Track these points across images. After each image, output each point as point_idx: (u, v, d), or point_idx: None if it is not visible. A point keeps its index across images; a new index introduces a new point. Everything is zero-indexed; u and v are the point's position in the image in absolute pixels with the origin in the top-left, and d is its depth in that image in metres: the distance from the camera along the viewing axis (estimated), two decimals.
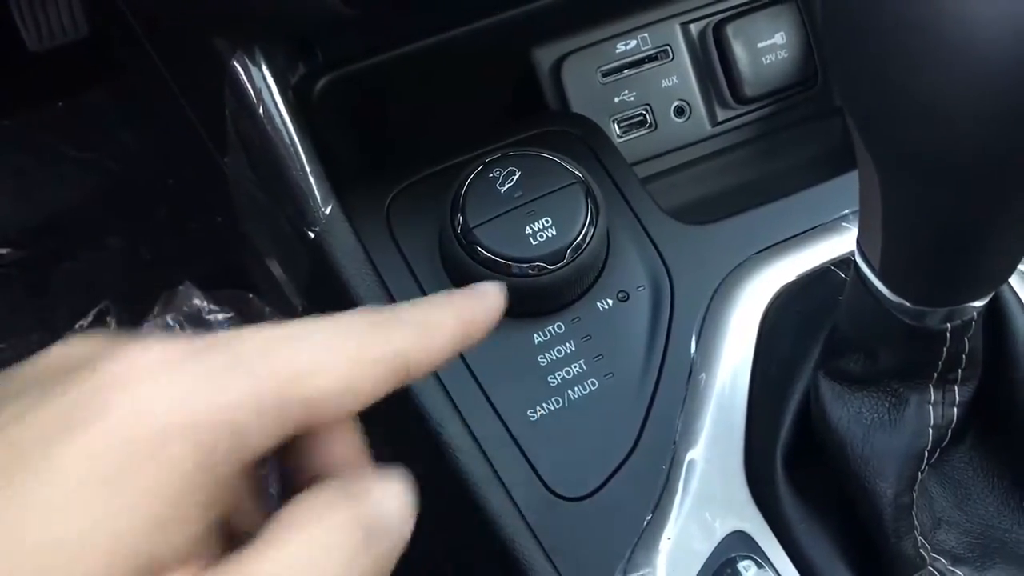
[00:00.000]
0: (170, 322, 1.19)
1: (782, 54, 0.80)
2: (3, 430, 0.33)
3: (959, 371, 0.53)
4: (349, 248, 0.67)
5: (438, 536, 0.72)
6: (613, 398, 0.64)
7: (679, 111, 0.80)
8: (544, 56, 0.78)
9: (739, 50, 0.79)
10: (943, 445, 0.54)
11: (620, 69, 0.78)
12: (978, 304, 0.49)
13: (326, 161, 0.69)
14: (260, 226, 0.84)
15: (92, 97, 1.37)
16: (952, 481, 0.59)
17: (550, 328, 0.65)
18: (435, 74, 0.76)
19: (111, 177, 1.34)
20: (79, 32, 1.31)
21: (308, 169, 0.68)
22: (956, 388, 0.53)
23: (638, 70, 0.79)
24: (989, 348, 0.54)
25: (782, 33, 0.80)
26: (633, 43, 0.79)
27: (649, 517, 0.60)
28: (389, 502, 0.37)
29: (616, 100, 0.78)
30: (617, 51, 0.78)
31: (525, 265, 0.63)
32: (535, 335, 0.65)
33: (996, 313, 0.55)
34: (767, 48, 0.80)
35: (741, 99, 0.80)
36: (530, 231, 0.63)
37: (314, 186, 0.68)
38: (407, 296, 0.66)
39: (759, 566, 0.58)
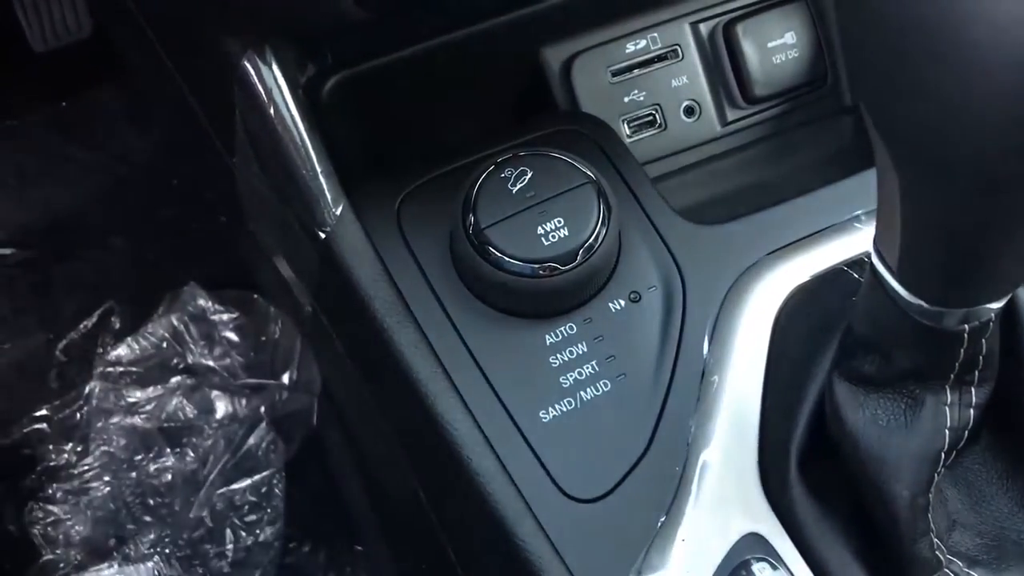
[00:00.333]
0: (175, 322, 1.19)
1: (792, 53, 0.80)
2: None
3: (976, 373, 0.52)
4: (359, 249, 0.67)
5: (450, 538, 0.71)
6: (626, 399, 0.63)
7: (689, 111, 0.79)
8: (554, 56, 0.77)
9: (749, 50, 0.79)
10: (959, 447, 0.54)
11: (630, 69, 0.78)
12: (996, 305, 0.49)
13: (336, 161, 0.68)
14: (268, 226, 0.83)
15: (96, 97, 1.37)
16: (965, 482, 0.58)
17: (562, 329, 0.65)
18: (445, 74, 0.76)
19: (115, 177, 1.34)
20: (83, 32, 1.30)
21: (318, 169, 0.68)
22: (973, 390, 0.53)
23: (648, 70, 0.79)
24: (1003, 349, 0.54)
25: (792, 32, 0.80)
26: (643, 43, 0.78)
27: (663, 519, 0.59)
28: None
29: (626, 100, 0.78)
30: (627, 51, 0.78)
31: (537, 266, 0.63)
32: (547, 336, 0.64)
33: (1010, 314, 0.55)
34: (777, 48, 0.80)
35: (751, 99, 0.80)
36: (542, 231, 0.63)
37: (324, 186, 0.67)
38: (418, 297, 0.65)
39: (774, 568, 0.57)
